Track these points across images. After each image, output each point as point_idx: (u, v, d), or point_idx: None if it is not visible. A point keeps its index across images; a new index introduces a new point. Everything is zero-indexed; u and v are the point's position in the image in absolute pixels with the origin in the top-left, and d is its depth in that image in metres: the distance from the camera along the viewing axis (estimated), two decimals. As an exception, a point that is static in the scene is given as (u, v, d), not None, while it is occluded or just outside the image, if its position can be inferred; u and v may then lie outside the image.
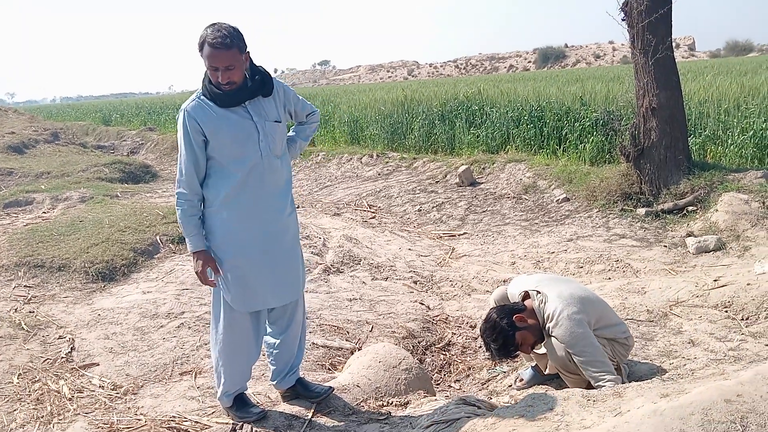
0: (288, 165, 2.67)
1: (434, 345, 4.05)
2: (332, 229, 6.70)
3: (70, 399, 3.16)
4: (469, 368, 3.79)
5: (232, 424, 2.69)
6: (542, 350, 3.04)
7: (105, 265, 5.29)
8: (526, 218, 7.23)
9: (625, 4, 6.51)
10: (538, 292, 2.91)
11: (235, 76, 2.37)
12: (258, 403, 2.88)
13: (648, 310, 3.85)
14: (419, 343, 4.02)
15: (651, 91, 6.42)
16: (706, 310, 3.69)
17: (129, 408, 3.08)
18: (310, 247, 5.78)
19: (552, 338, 2.83)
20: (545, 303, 2.85)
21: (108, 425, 2.88)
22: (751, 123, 7.41)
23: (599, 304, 2.96)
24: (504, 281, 4.91)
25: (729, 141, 7.45)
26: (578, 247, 5.89)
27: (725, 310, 3.65)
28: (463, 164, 9.24)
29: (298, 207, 8.02)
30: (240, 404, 2.71)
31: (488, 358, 3.73)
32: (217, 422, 2.78)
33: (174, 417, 2.91)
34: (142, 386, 3.32)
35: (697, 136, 7.70)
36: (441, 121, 11.33)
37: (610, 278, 5.01)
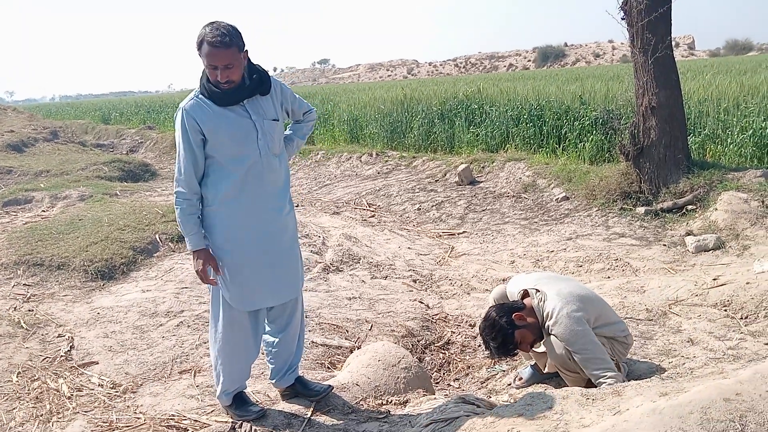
0: (286, 163, 2.67)
1: (433, 344, 4.05)
2: (332, 227, 6.70)
3: (69, 397, 3.15)
4: (469, 367, 3.79)
5: (232, 422, 2.69)
6: (541, 349, 3.04)
7: (104, 263, 5.29)
8: (526, 217, 7.23)
9: (624, 3, 6.49)
10: (538, 291, 2.92)
11: (234, 75, 2.37)
12: (257, 401, 2.88)
13: (647, 308, 3.85)
14: (418, 341, 4.02)
15: (650, 90, 6.42)
16: (705, 309, 3.70)
17: (128, 406, 3.07)
18: (310, 245, 5.77)
19: (551, 336, 2.83)
20: (544, 301, 2.86)
21: (107, 424, 2.88)
22: (751, 122, 7.41)
23: (598, 303, 2.96)
24: (503, 280, 4.91)
25: (728, 140, 7.44)
26: (577, 246, 5.89)
27: (724, 308, 3.65)
28: (462, 163, 9.23)
29: (297, 206, 8.02)
30: (239, 403, 2.72)
31: (487, 357, 3.74)
32: (216, 421, 2.78)
33: (173, 415, 2.91)
34: (141, 385, 3.32)
35: (696, 135, 7.70)
36: (440, 120, 11.32)
37: (609, 277, 5.01)
